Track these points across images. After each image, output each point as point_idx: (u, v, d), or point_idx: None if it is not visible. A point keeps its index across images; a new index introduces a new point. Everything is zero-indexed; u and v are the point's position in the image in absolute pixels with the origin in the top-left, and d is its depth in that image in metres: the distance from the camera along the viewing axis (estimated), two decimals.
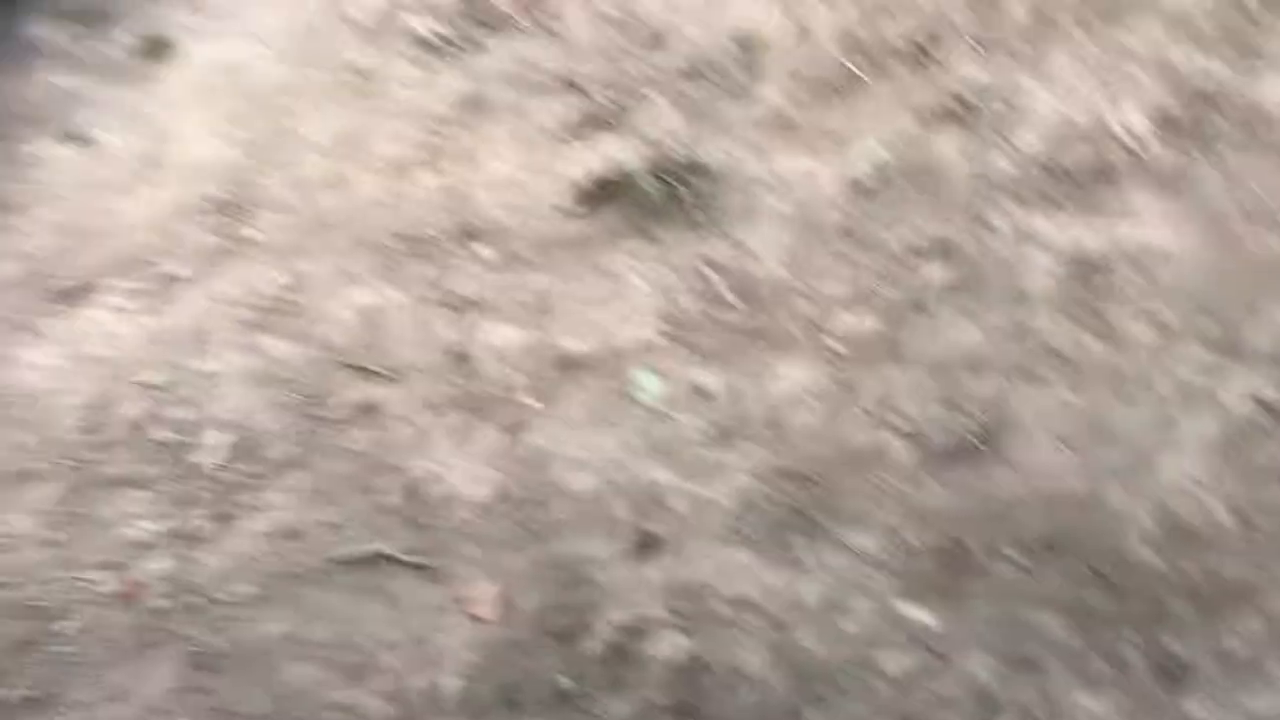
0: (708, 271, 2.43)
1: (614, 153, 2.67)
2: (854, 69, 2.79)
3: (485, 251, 2.53)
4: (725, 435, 2.24)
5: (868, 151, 2.60)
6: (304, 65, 2.93)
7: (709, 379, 2.31)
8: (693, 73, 2.81)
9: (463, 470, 2.21)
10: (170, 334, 2.43)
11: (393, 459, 2.24)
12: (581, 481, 2.20)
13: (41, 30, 3.07)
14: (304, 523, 2.17)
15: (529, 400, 2.31)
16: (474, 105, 2.80)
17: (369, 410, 2.32)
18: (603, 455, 2.22)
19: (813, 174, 2.58)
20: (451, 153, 2.71)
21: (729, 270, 2.43)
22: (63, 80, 2.96)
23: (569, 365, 2.35)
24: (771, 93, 2.74)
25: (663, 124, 2.71)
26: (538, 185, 2.63)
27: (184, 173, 2.73)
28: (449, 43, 2.92)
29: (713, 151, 2.63)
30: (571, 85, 2.82)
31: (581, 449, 2.23)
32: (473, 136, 2.74)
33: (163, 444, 2.27)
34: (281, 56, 2.96)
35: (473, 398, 2.32)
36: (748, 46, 2.85)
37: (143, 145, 2.80)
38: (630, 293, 2.43)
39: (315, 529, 2.16)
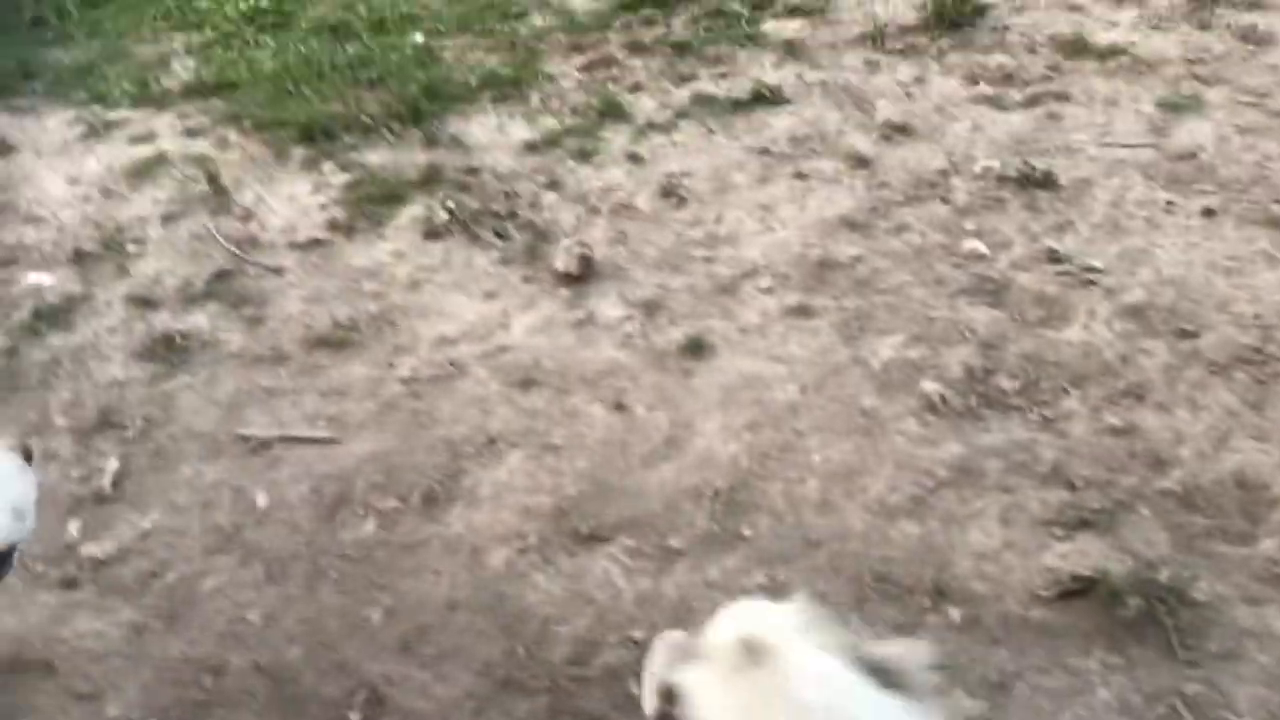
0: (1180, 707, 2.41)
1: (1096, 556, 2.75)
2: None
3: (954, 613, 2.65)
4: None
5: None
6: (818, 394, 3.29)
7: None
8: (1188, 501, 2.87)
9: None
10: (659, 600, 2.72)
11: None
12: None
13: (610, 311, 3.67)
14: None
15: None
16: (966, 473, 3.00)
17: None
18: None
19: None
20: (939, 511, 2.90)
21: (1203, 713, 2.40)
22: (617, 354, 3.49)
23: None
24: (1272, 546, 2.74)
25: (1151, 543, 2.77)
26: (1015, 565, 2.75)
27: (698, 460, 3.10)
28: (954, 410, 3.18)
29: (1200, 585, 2.64)
30: (1063, 479, 2.96)
31: None
32: (960, 502, 2.93)
33: (633, 697, 2.51)
34: (799, 382, 3.34)
35: None
36: (1250, 491, 2.88)
37: (668, 426, 3.22)
38: (1094, 702, 2.45)
39: None
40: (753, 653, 1.39)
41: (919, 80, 4.76)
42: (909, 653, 1.52)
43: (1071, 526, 2.83)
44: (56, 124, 4.96)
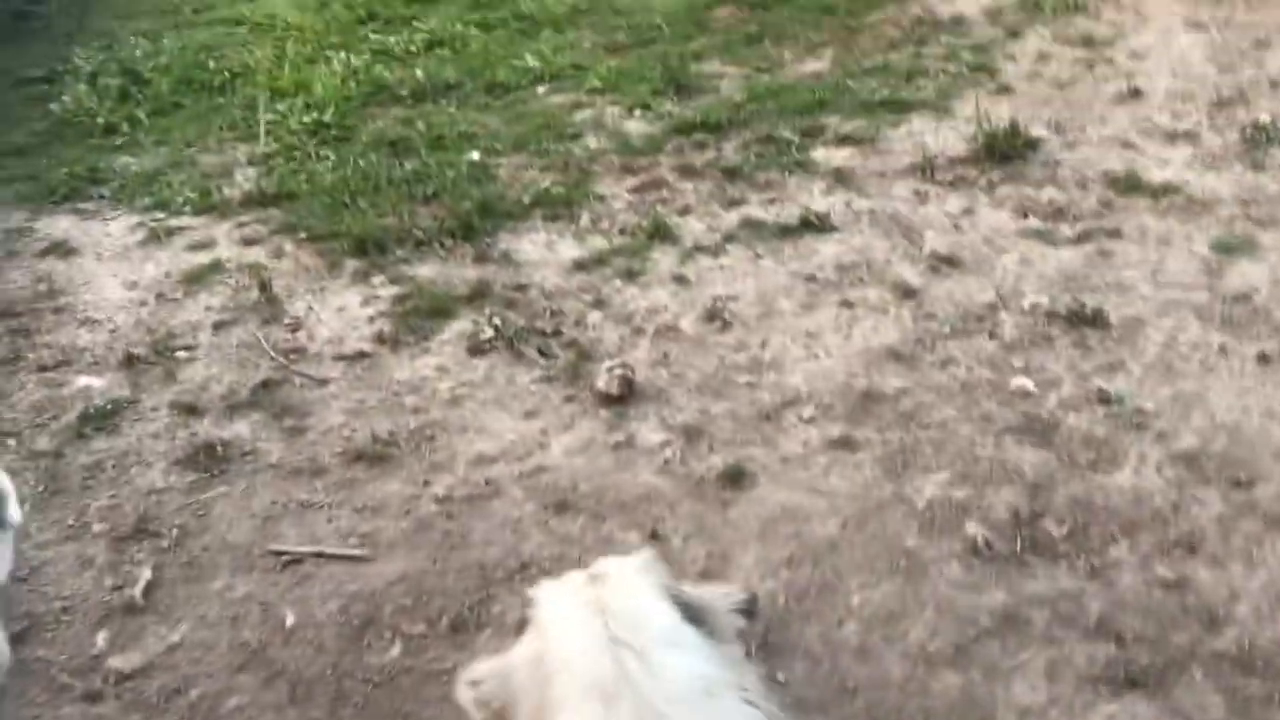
0: None
1: (1146, 718, 2.63)
2: None
3: None
4: None
5: None
6: (859, 531, 3.23)
7: None
8: (1244, 664, 2.75)
9: None
10: None
11: None
12: None
13: (650, 435, 3.64)
14: None
15: None
16: (1010, 622, 2.91)
17: None
18: None
19: None
20: (981, 662, 2.80)
21: None
22: (655, 480, 3.46)
23: None
24: None
25: (1204, 708, 2.65)
26: None
27: None
28: (999, 555, 3.10)
29: None
30: (1111, 633, 2.86)
31: None
32: (1003, 653, 2.83)
33: None
34: (840, 517, 3.28)
35: None
36: None
37: (704, 558, 3.17)
38: None
39: None
40: (593, 578, 1.78)
41: (968, 212, 4.76)
42: (718, 596, 1.84)
43: (1119, 685, 2.72)
44: (119, 229, 5.09)
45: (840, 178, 5.10)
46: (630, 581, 1.75)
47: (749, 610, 1.85)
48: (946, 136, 5.36)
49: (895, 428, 3.62)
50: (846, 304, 4.25)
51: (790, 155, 5.32)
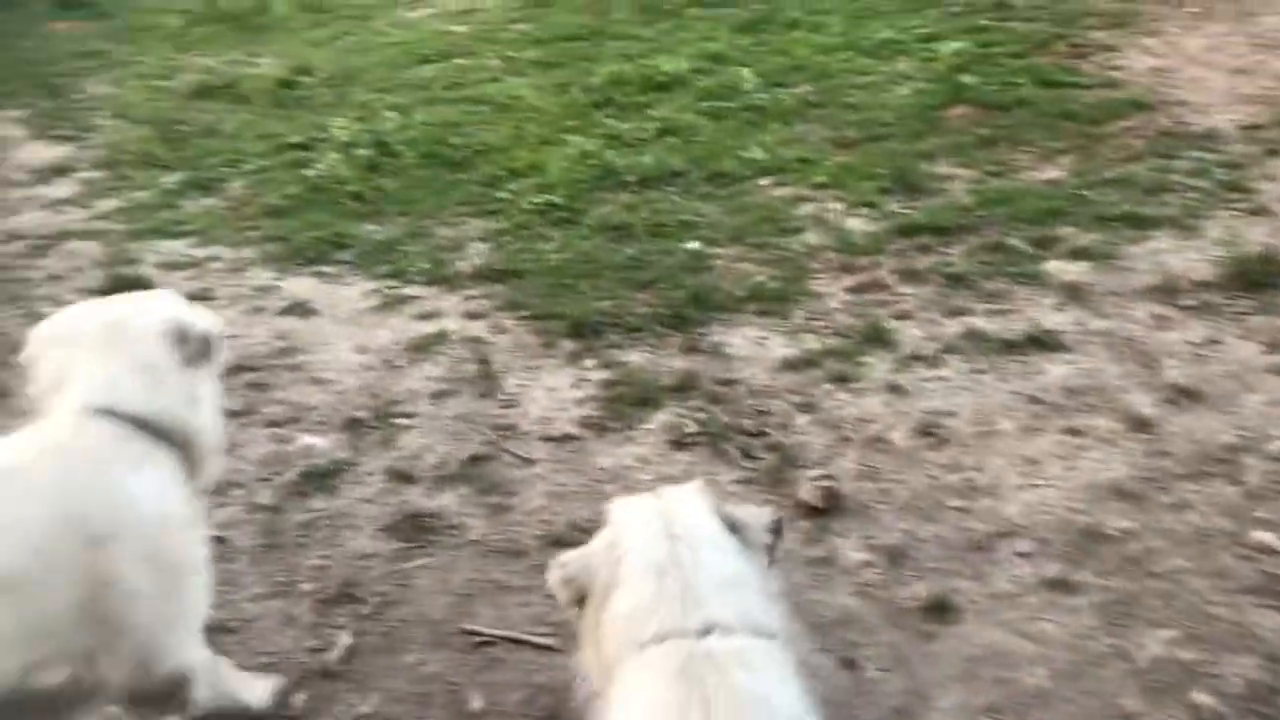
0: None
1: None
2: None
3: None
4: None
5: None
6: (1071, 685, 3.01)
7: None
8: None
9: None
10: None
11: None
12: None
13: (851, 554, 3.52)
14: None
15: None
16: None
17: None
18: None
19: None
20: None
21: None
22: (852, 602, 3.33)
23: None
24: None
25: None
26: None
27: None
28: None
29: None
30: None
31: None
32: None
33: None
34: (1051, 667, 3.06)
35: None
36: None
37: (901, 693, 3.02)
38: None
39: None
40: (658, 495, 2.22)
41: (1212, 342, 4.45)
42: (754, 514, 2.25)
43: None
44: (356, 293, 5.36)
45: (1073, 293, 4.87)
46: (687, 498, 2.19)
47: (776, 530, 2.26)
48: (1191, 258, 5.05)
49: (1118, 573, 3.37)
50: (1072, 431, 4.02)
51: (1020, 265, 5.13)
